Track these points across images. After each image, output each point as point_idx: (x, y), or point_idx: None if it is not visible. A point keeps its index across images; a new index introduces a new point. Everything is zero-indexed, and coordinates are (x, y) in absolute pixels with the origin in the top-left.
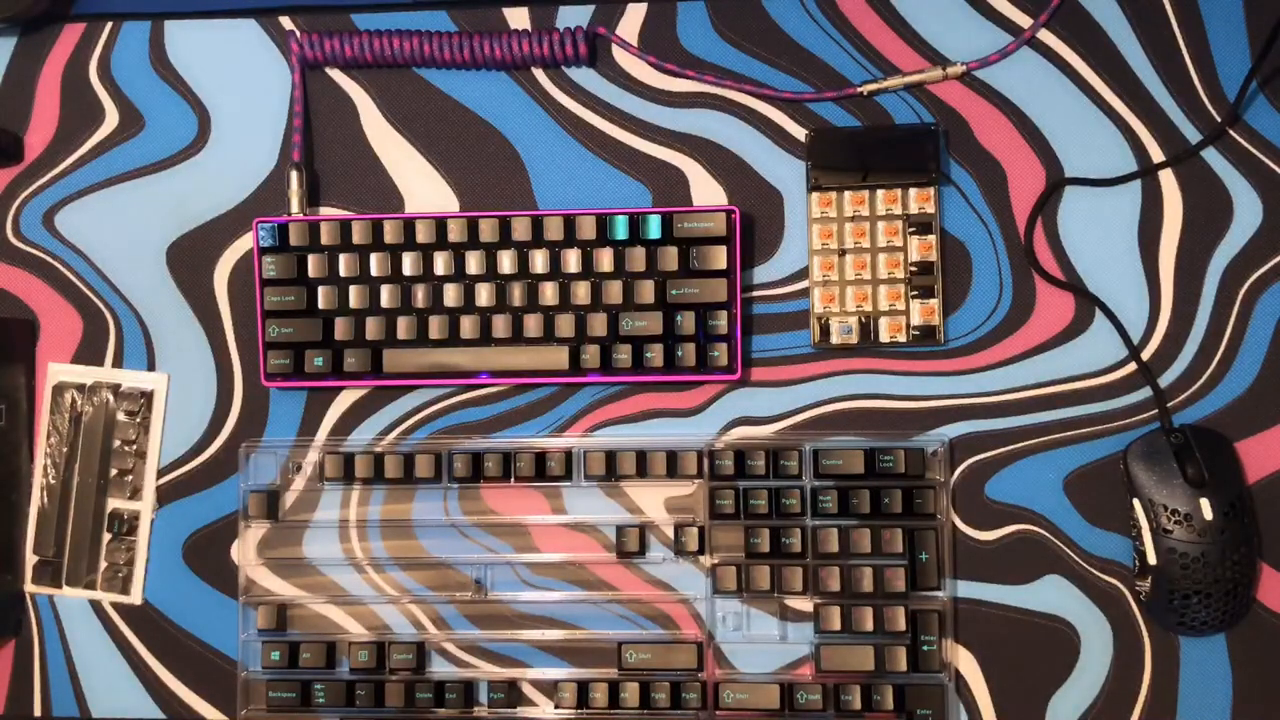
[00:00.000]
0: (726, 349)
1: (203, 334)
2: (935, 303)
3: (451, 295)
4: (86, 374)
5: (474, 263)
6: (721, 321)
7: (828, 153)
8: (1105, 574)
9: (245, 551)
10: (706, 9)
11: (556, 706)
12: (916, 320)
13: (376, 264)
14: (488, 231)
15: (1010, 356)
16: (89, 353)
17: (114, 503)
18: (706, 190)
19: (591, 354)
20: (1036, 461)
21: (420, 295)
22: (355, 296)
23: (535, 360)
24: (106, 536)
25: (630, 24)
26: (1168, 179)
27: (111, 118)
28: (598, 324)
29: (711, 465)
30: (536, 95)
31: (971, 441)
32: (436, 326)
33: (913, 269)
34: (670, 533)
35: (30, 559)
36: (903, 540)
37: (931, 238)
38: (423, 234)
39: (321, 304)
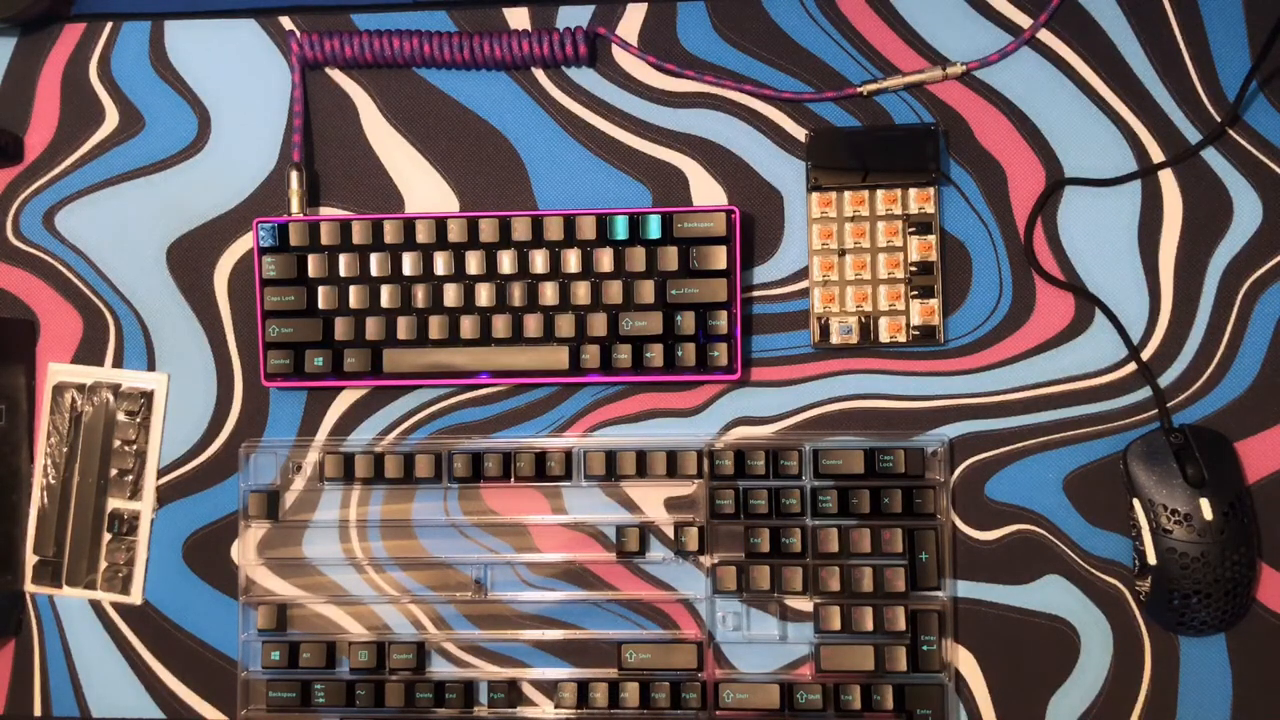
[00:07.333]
0: (726, 349)
1: (203, 334)
2: (935, 303)
3: (451, 295)
4: (86, 374)
5: (474, 263)
6: (721, 321)
7: (828, 153)
8: (1105, 574)
9: (245, 551)
10: (706, 9)
11: (556, 706)
12: (916, 320)
13: (376, 264)
14: (488, 231)
15: (1010, 356)
16: (89, 353)
17: (114, 503)
18: (706, 190)
19: (591, 354)
20: (1036, 461)
21: (420, 295)
22: (355, 296)
23: (535, 360)
24: (106, 536)
25: (630, 24)
26: (1168, 179)
27: (111, 118)
28: (598, 324)
29: (711, 465)
30: (536, 95)
31: (971, 441)
32: (436, 326)
33: (913, 269)
34: (670, 533)
35: (30, 559)
36: (903, 540)
37: (931, 238)
38: (423, 234)
39: (321, 304)
